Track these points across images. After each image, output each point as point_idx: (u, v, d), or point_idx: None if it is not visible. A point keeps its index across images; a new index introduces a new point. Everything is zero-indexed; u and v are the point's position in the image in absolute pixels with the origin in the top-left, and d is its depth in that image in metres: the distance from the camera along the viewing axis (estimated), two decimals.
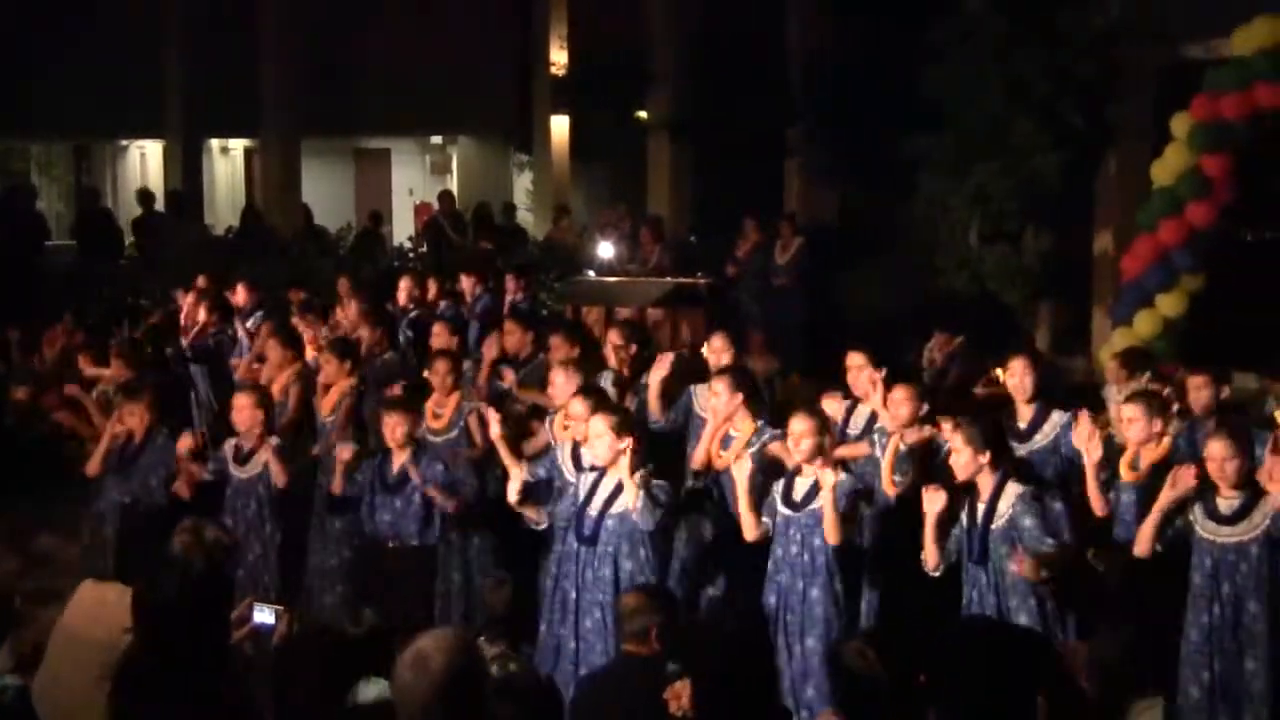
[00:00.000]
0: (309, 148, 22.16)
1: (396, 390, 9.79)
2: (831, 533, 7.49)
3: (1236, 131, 12.96)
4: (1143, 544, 7.36)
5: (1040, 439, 8.46)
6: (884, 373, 8.64)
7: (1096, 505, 7.71)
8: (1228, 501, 7.23)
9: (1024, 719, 3.91)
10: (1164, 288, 13.35)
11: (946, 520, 7.46)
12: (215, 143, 24.66)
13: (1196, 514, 7.29)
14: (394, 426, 8.59)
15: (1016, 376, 8.60)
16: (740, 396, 8.44)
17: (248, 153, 24.96)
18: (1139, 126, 14.19)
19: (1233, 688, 7.20)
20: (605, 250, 16.97)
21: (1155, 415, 7.84)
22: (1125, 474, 7.74)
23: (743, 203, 17.80)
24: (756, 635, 5.91)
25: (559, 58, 22.09)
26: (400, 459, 8.61)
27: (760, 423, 8.48)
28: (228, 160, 25.54)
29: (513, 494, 8.09)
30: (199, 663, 4.48)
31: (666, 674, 5.74)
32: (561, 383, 9.02)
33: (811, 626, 7.55)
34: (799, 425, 7.74)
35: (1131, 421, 7.85)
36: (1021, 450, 8.34)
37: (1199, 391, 8.76)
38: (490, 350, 10.89)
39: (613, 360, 10.03)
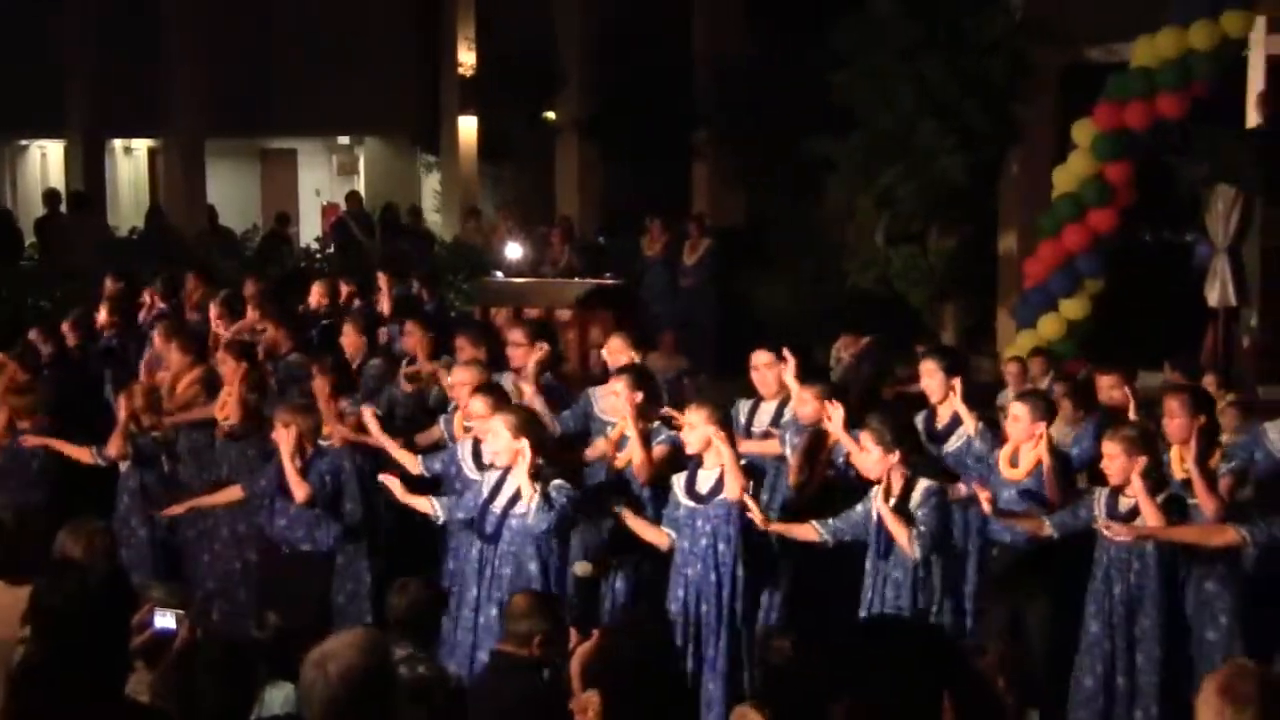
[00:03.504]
0: (214, 148, 21.92)
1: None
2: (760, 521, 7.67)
3: (1139, 140, 13.14)
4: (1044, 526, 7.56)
5: (956, 440, 8.55)
6: (792, 364, 8.72)
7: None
8: (1127, 500, 7.35)
9: (929, 719, 3.93)
10: (1067, 292, 13.50)
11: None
12: (118, 142, 24.32)
13: (1100, 512, 7.41)
14: (283, 429, 8.58)
15: (928, 378, 8.70)
16: (639, 396, 8.44)
17: (151, 153, 24.65)
18: (1042, 128, 14.34)
19: (1125, 683, 7.36)
20: (514, 251, 16.93)
21: (1039, 417, 7.96)
22: (1006, 472, 7.93)
23: (651, 204, 17.83)
24: (666, 643, 5.91)
25: (466, 58, 22.00)
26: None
27: (656, 424, 8.51)
28: (131, 160, 25.20)
29: (399, 492, 8.09)
30: (99, 667, 4.41)
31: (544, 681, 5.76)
32: (466, 381, 9.01)
33: (729, 618, 7.63)
34: (695, 416, 7.81)
35: (1016, 420, 7.99)
36: (937, 451, 8.47)
37: (1111, 391, 8.91)
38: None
39: (514, 359, 10.01)
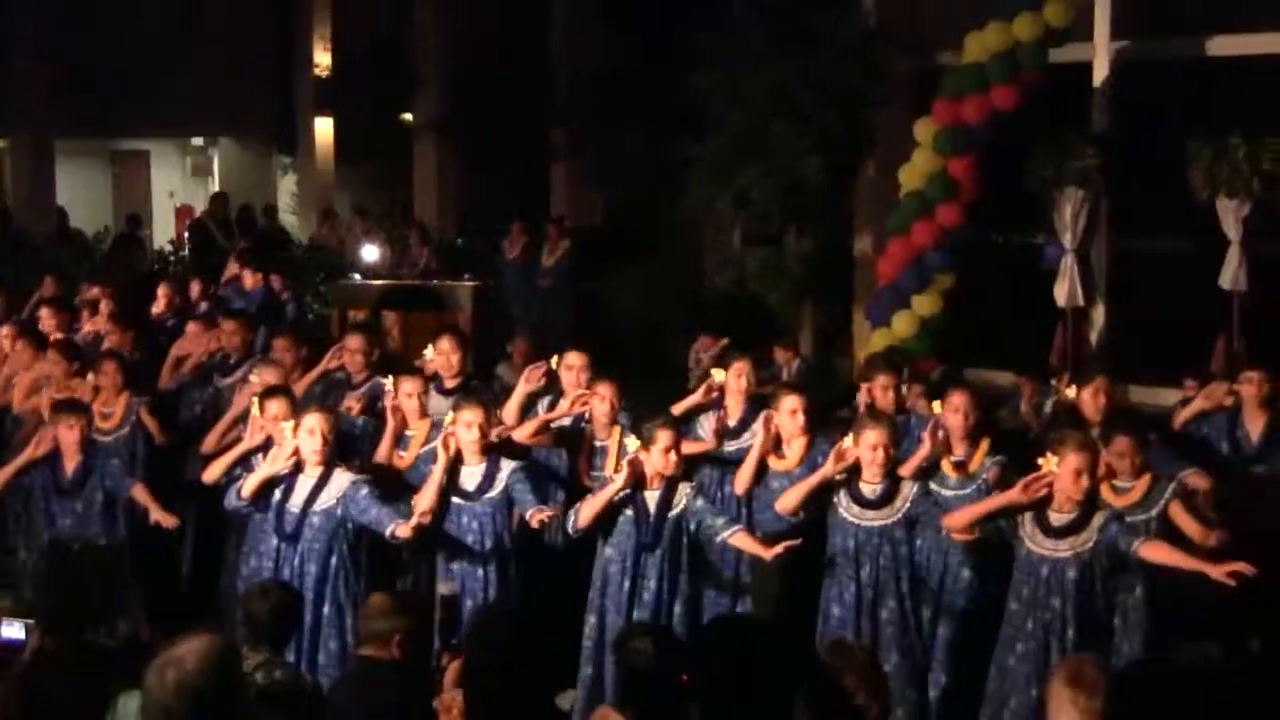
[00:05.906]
0: (63, 148, 21.52)
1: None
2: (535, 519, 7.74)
3: (978, 133, 13.40)
4: (789, 502, 7.75)
5: (749, 436, 8.70)
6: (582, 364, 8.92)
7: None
8: (872, 487, 7.65)
9: (783, 717, 3.98)
10: (918, 289, 13.71)
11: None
12: None
13: (842, 498, 7.70)
14: (68, 430, 8.63)
15: (740, 377, 8.85)
16: (416, 396, 8.67)
17: None
18: (894, 131, 14.53)
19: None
20: (370, 253, 16.84)
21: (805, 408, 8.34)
22: (774, 463, 8.29)
23: (510, 205, 17.80)
24: (528, 642, 5.90)
25: (322, 58, 21.83)
26: (74, 463, 8.66)
27: (434, 418, 8.66)
28: None
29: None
30: None
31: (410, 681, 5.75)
32: (265, 381, 9.03)
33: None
34: (469, 415, 7.97)
35: (793, 414, 8.29)
36: (730, 446, 8.70)
37: (884, 391, 9.14)
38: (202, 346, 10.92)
39: (350, 363, 9.96)
